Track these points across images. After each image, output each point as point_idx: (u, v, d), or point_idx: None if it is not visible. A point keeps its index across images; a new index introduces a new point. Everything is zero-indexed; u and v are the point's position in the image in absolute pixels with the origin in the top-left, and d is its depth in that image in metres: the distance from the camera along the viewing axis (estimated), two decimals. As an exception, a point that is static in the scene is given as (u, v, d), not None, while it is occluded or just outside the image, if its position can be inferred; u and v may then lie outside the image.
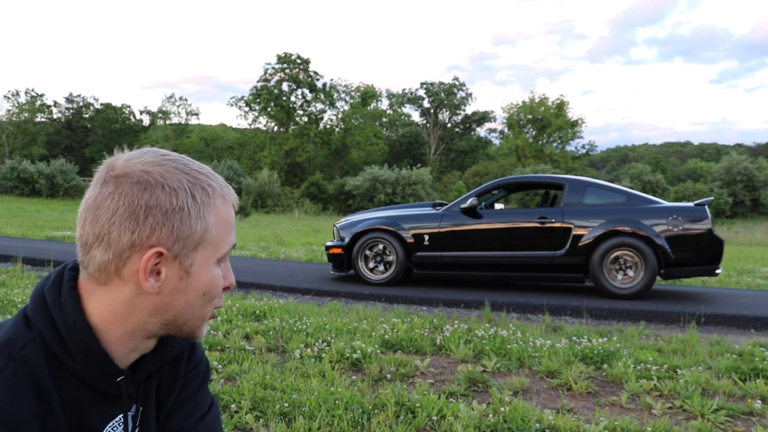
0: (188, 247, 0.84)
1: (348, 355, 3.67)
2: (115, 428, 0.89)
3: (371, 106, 59.08)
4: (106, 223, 0.81)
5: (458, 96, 59.97)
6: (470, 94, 60.99)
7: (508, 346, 4.06)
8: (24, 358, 0.78)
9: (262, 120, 55.88)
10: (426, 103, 61.13)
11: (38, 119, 56.99)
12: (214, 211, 0.86)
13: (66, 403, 0.82)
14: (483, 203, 7.29)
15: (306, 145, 53.01)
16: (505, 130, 58.18)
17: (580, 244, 6.55)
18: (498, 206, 7.66)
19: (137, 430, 0.94)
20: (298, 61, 53.09)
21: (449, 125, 61.42)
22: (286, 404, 2.75)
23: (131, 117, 60.24)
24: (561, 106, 53.52)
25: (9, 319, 0.87)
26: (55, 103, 57.84)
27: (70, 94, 60.51)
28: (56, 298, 0.84)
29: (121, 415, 0.90)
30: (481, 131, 62.71)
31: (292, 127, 54.22)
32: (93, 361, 0.83)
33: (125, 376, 0.88)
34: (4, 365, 0.77)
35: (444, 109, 60.62)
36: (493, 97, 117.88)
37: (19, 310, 0.89)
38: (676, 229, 6.37)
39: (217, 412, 1.07)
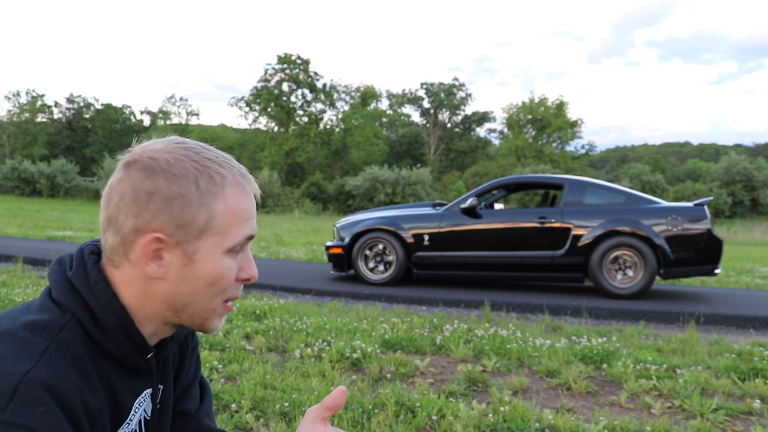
0: (191, 234, 0.84)
1: (348, 354, 3.68)
2: (140, 404, 0.93)
3: (371, 107, 59.04)
4: (114, 208, 0.84)
5: (458, 96, 59.93)
6: (470, 95, 60.98)
7: (508, 346, 4.07)
8: (64, 340, 0.80)
9: (263, 120, 55.84)
10: (426, 104, 61.10)
11: (39, 119, 56.97)
12: (223, 200, 0.85)
13: (103, 382, 0.84)
14: (483, 203, 7.30)
15: (306, 146, 52.98)
16: (505, 130, 58.11)
17: (579, 244, 6.56)
18: (498, 206, 7.67)
19: (158, 407, 0.98)
20: (299, 61, 53.06)
21: (449, 125, 61.39)
22: (286, 404, 2.76)
23: (132, 117, 60.25)
24: (560, 106, 53.43)
25: (24, 304, 0.87)
26: (56, 104, 57.81)
27: (71, 95, 60.57)
28: (85, 281, 0.85)
29: (147, 390, 0.94)
30: (481, 131, 62.66)
31: (293, 128, 54.19)
32: (129, 340, 0.86)
33: (153, 353, 0.91)
34: (46, 346, 0.77)
35: (444, 110, 60.58)
36: (493, 98, 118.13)
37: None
38: (675, 229, 6.38)
39: (209, 389, 1.15)
